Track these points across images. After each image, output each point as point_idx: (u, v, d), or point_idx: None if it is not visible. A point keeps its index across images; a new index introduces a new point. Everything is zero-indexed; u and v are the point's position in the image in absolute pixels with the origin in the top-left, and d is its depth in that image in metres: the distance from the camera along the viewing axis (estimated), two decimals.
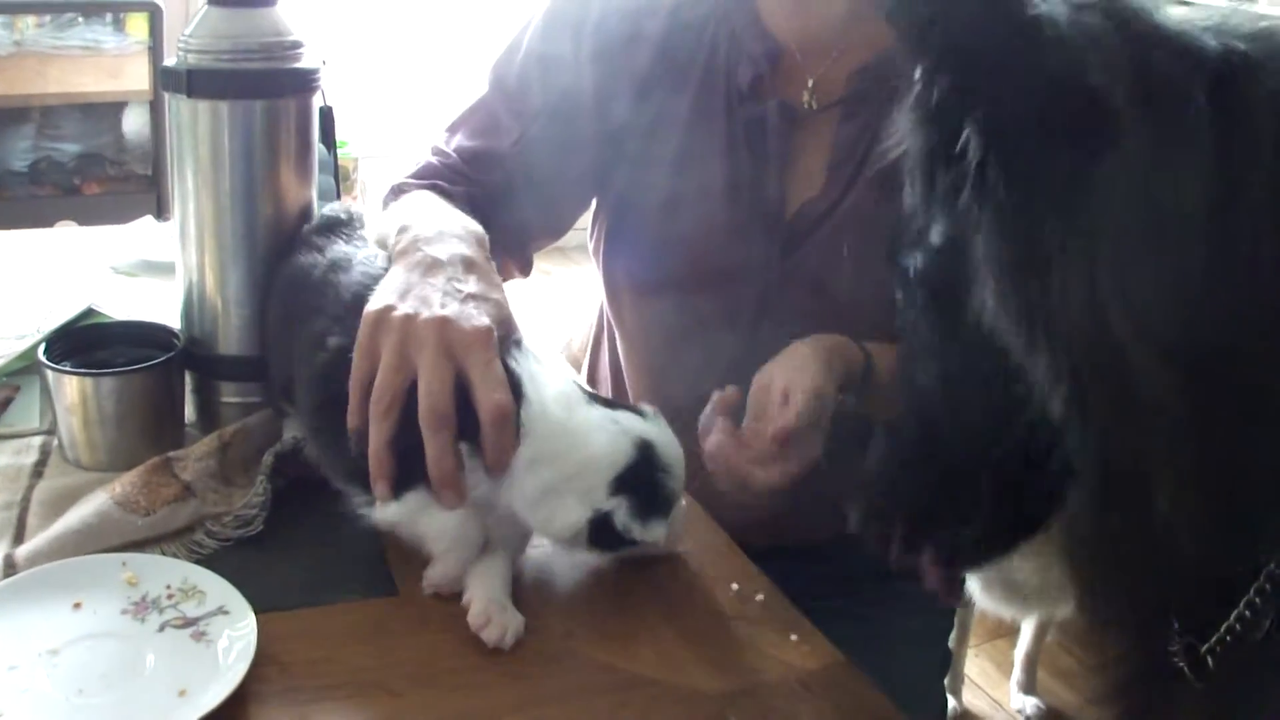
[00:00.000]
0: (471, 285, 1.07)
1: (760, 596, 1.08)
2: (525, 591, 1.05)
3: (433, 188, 1.38)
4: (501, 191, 1.42)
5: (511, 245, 1.44)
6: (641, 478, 1.01)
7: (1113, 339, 0.69)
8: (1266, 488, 0.69)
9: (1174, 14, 0.73)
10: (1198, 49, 0.71)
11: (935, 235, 0.84)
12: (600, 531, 1.00)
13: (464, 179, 1.42)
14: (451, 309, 1.03)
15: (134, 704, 0.88)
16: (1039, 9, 0.73)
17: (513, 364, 1.02)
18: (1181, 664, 0.75)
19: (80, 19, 3.85)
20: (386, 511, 1.02)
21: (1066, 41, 0.71)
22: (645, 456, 1.02)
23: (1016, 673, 2.62)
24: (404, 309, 1.03)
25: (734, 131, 1.37)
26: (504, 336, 1.04)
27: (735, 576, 1.10)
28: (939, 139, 0.81)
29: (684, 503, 1.08)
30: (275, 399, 1.22)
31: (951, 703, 2.55)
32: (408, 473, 0.99)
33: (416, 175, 1.42)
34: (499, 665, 0.96)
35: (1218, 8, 0.76)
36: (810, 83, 1.36)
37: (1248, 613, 0.71)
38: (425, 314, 1.02)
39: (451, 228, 1.16)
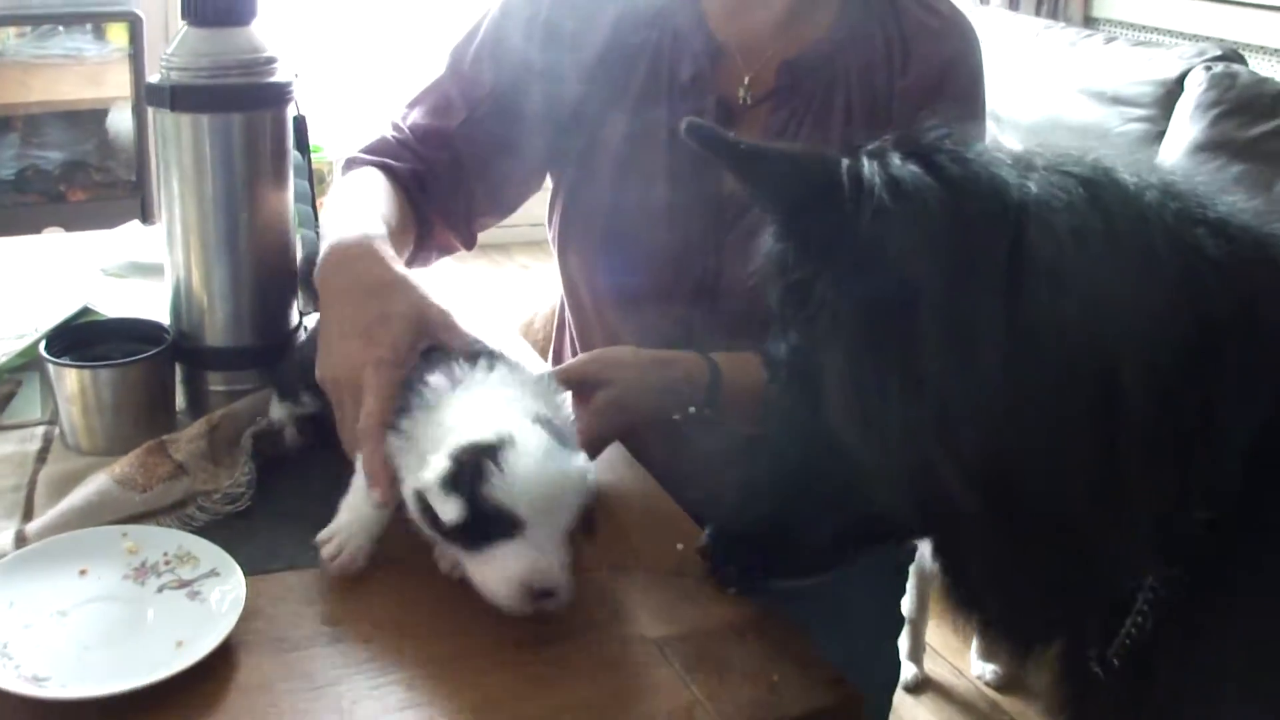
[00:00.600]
0: (374, 309, 1.17)
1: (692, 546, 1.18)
2: None
3: (380, 165, 1.48)
4: (448, 169, 1.51)
5: (457, 221, 1.54)
6: (475, 457, 1.01)
7: (932, 457, 0.82)
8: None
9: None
10: (1002, 199, 0.83)
11: (792, 338, 0.95)
12: (420, 493, 1.04)
13: (414, 155, 1.50)
14: (353, 354, 1.15)
15: (136, 656, 0.97)
16: (856, 176, 0.86)
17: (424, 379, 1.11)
18: (1095, 667, 0.89)
19: (61, 29, 3.87)
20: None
21: (880, 215, 0.84)
22: (496, 446, 1.01)
23: (976, 641, 2.70)
24: (328, 371, 1.18)
25: (675, 124, 1.46)
26: (420, 335, 1.17)
27: (680, 539, 1.20)
28: (788, 278, 0.93)
29: (547, 561, 1.01)
30: (294, 386, 1.30)
31: (913, 670, 2.64)
32: None
33: (369, 150, 1.51)
34: (462, 617, 1.06)
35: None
36: (746, 80, 1.46)
37: (1138, 620, 0.86)
38: (339, 373, 1.16)
39: (379, 235, 1.27)
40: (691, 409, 1.35)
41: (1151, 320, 0.79)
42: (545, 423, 1.06)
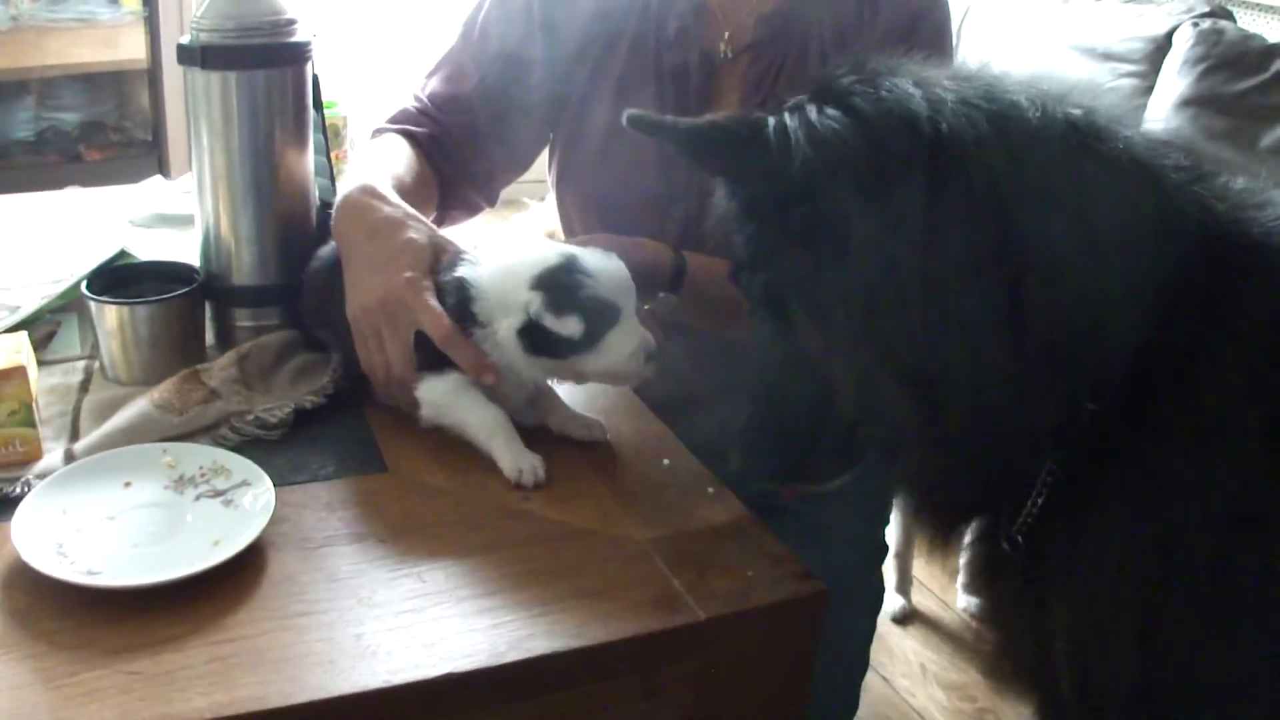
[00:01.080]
0: (392, 244, 1.31)
1: (677, 461, 1.32)
2: (494, 470, 1.26)
3: (403, 133, 1.60)
4: (467, 132, 1.63)
5: (478, 181, 1.66)
6: (557, 278, 1.22)
7: (869, 364, 0.95)
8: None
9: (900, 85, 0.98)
10: (916, 134, 0.94)
11: (759, 276, 1.07)
12: (528, 332, 1.22)
13: (433, 122, 1.62)
14: (381, 285, 1.28)
15: (177, 552, 1.09)
16: (781, 129, 0.98)
17: (452, 274, 1.26)
18: (1005, 545, 1.02)
19: None
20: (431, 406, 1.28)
21: (805, 162, 0.95)
22: (564, 264, 1.23)
23: (961, 575, 2.80)
24: (358, 305, 1.30)
25: (661, 76, 1.56)
26: (439, 255, 1.31)
27: (667, 455, 1.33)
28: (743, 230, 1.07)
29: (650, 339, 1.25)
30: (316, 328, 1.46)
31: (901, 602, 2.76)
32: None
33: (393, 120, 1.64)
34: (467, 521, 1.18)
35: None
36: (726, 35, 1.57)
37: (1037, 500, 0.98)
38: (370, 301, 1.29)
39: (382, 184, 1.40)
40: (661, 294, 1.48)
41: (1050, 239, 0.91)
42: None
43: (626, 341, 1.23)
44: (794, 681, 1.16)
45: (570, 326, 1.21)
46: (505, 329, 1.23)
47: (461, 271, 1.27)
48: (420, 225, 1.34)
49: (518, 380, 1.28)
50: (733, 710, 1.13)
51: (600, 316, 1.22)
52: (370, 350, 1.31)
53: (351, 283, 1.32)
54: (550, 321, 1.21)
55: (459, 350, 1.24)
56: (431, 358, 1.27)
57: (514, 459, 1.24)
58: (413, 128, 1.62)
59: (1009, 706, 2.35)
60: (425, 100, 1.65)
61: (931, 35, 1.56)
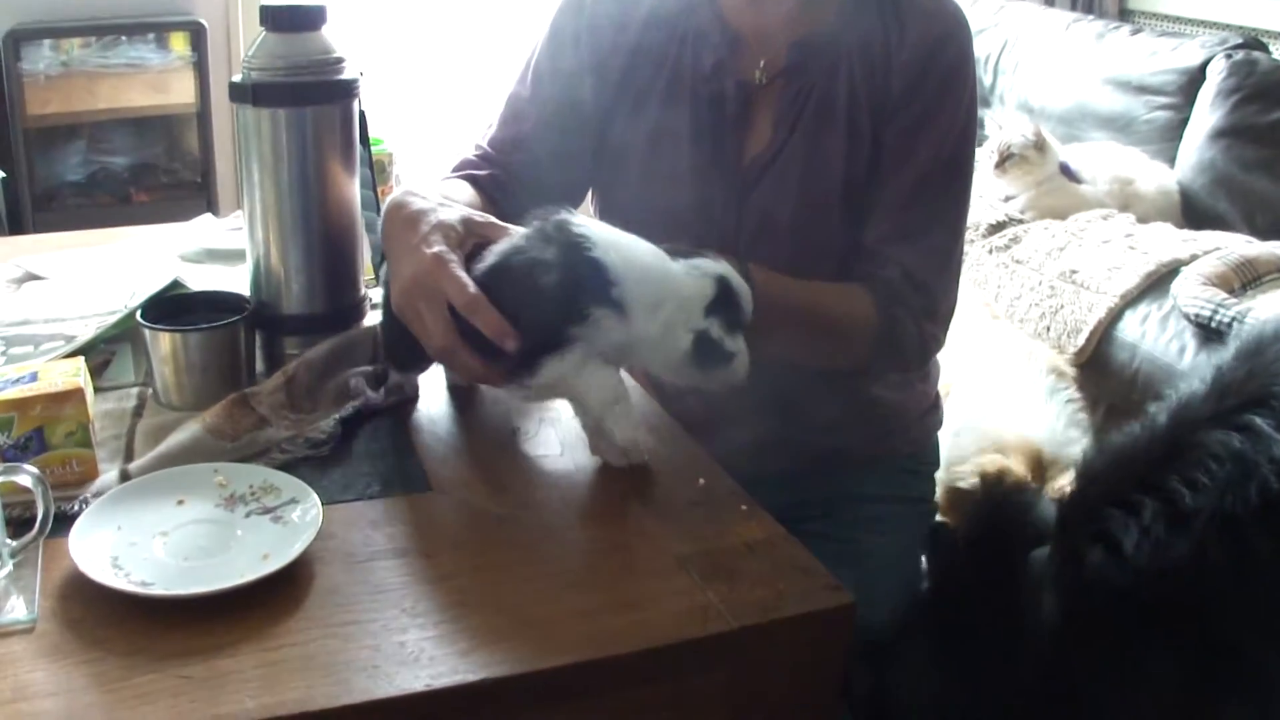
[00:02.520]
0: (424, 227, 1.36)
1: (710, 479, 1.34)
2: (535, 489, 1.31)
3: (465, 177, 1.66)
4: (527, 169, 1.68)
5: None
6: (724, 302, 1.28)
7: None
8: None
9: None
10: None
11: None
12: (701, 347, 1.27)
13: (493, 165, 1.68)
14: (412, 265, 1.33)
15: (228, 565, 1.13)
16: None
17: (586, 232, 1.28)
18: None
19: (124, 39, 4.00)
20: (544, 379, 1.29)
21: None
22: (723, 287, 1.28)
23: None
24: (398, 292, 1.35)
25: (698, 104, 1.62)
26: (473, 231, 1.36)
27: (702, 475, 1.36)
28: None
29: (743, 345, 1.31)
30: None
31: None
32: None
33: (456, 168, 1.70)
34: (507, 535, 1.22)
35: None
36: (762, 63, 1.62)
37: None
38: (406, 285, 1.33)
39: (405, 193, 1.44)
40: None
41: None
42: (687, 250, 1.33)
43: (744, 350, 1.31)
44: (823, 693, 1.19)
45: (739, 344, 1.29)
46: (679, 341, 1.27)
47: (596, 254, 1.27)
48: (452, 205, 1.39)
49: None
50: (762, 718, 1.16)
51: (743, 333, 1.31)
52: (421, 332, 1.33)
53: (393, 275, 1.37)
54: (728, 343, 1.28)
55: (482, 316, 1.27)
56: (542, 340, 1.27)
57: (632, 429, 1.29)
58: (474, 172, 1.67)
59: None
60: (486, 147, 1.72)
61: (952, 60, 1.60)
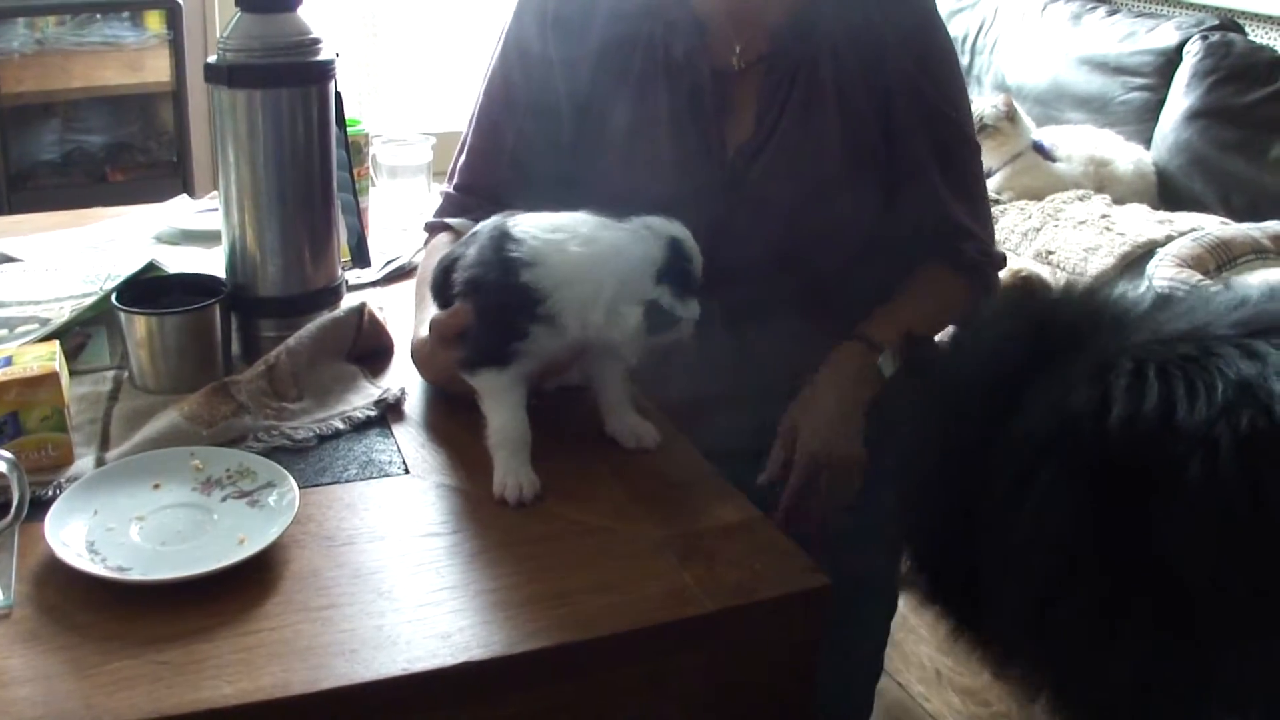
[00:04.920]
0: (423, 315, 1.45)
1: (688, 462, 1.36)
2: None
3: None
4: (516, 184, 1.65)
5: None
6: (675, 267, 1.27)
7: None
8: None
9: None
10: None
11: None
12: (651, 316, 1.25)
13: (478, 199, 1.66)
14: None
15: (204, 550, 1.13)
16: None
17: (518, 250, 1.28)
18: None
19: (99, 17, 3.95)
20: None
21: None
22: (674, 250, 1.27)
23: None
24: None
25: (676, 94, 1.60)
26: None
27: (680, 456, 1.37)
28: None
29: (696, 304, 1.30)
30: None
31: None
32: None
33: (440, 212, 1.70)
34: (486, 519, 1.22)
35: None
36: (738, 48, 1.61)
37: None
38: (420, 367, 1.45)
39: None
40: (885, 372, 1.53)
41: None
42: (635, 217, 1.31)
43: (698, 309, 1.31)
44: (801, 674, 1.19)
45: (694, 309, 1.28)
46: (629, 319, 1.26)
47: (524, 277, 1.28)
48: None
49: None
50: (741, 701, 1.17)
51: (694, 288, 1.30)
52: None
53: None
54: (680, 310, 1.27)
55: (444, 325, 1.35)
56: (488, 354, 1.30)
57: (503, 474, 1.27)
58: (461, 217, 1.66)
59: (1023, 710, 2.37)
60: (464, 175, 1.70)
61: (945, 48, 1.62)
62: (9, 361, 1.29)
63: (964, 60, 4.26)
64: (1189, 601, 0.92)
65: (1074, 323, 1.09)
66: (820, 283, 1.63)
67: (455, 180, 1.71)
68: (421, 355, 1.45)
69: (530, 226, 1.30)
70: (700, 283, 1.30)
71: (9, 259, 1.82)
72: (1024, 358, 1.07)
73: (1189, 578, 0.92)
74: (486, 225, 1.36)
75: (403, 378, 1.50)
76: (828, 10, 1.60)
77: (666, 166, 1.61)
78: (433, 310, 1.40)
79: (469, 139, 1.71)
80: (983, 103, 3.59)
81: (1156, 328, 1.03)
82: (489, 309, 1.30)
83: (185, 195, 2.26)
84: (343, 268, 1.61)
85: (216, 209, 1.54)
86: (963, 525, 1.07)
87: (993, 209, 3.33)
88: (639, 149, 1.63)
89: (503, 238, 1.30)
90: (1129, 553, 0.95)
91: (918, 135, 1.62)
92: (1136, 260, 2.97)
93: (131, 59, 4.05)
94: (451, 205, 1.69)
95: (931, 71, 1.63)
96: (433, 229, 1.69)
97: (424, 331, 1.42)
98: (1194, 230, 3.01)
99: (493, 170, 1.67)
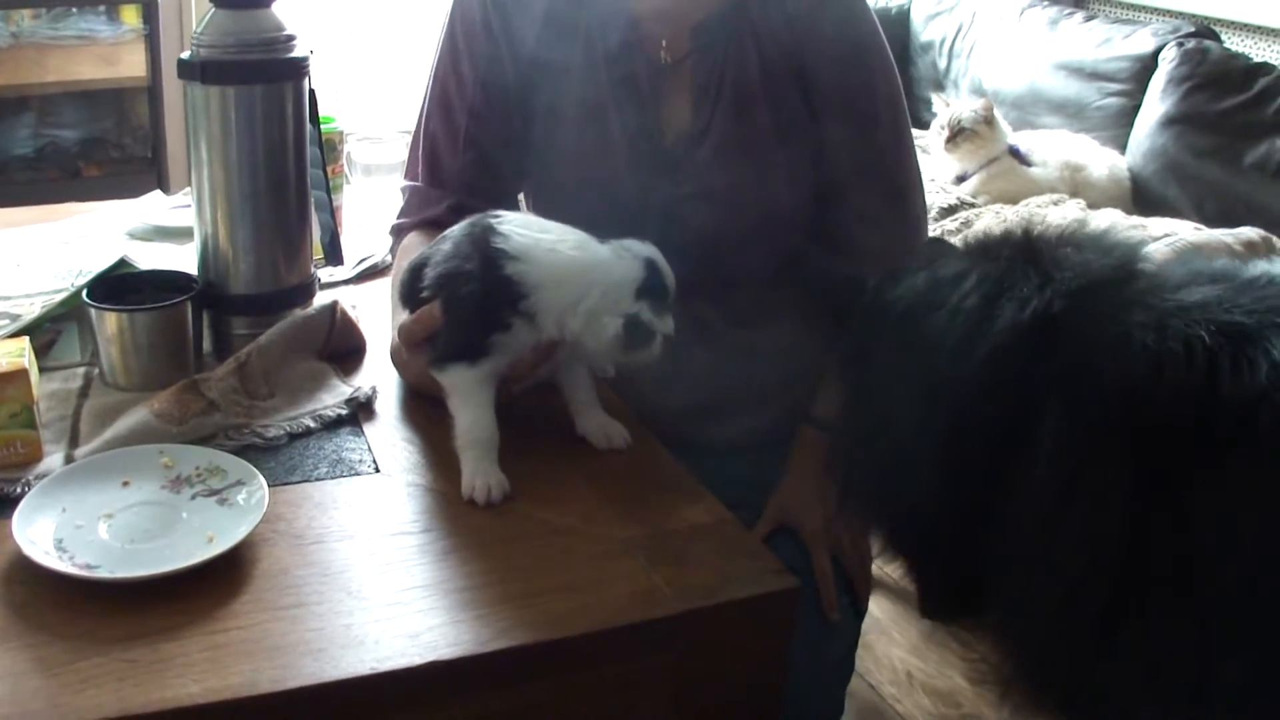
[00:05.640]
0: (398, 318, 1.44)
1: (657, 462, 1.36)
2: None
3: (421, 226, 1.66)
4: (476, 164, 1.66)
5: (503, 200, 1.70)
6: (652, 284, 1.28)
7: None
8: None
9: None
10: None
11: None
12: (630, 330, 1.27)
13: (438, 183, 1.67)
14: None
15: (173, 548, 1.13)
16: None
17: (505, 244, 1.29)
18: None
19: (74, 11, 3.95)
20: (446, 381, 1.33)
21: None
22: (652, 269, 1.29)
23: None
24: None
25: (615, 84, 1.62)
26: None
27: (648, 457, 1.37)
28: None
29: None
30: None
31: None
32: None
33: (406, 211, 1.70)
34: (457, 520, 1.22)
35: None
36: (664, 43, 1.62)
37: None
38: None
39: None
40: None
41: None
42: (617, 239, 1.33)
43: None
44: (770, 674, 1.20)
45: (669, 325, 1.30)
46: (608, 329, 1.28)
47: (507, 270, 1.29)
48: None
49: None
50: (710, 702, 1.17)
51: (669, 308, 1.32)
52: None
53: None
54: (657, 325, 1.29)
55: (412, 329, 1.36)
56: (459, 349, 1.30)
57: (472, 474, 1.27)
58: (428, 214, 1.66)
59: (994, 713, 2.38)
60: (426, 165, 1.70)
61: (866, 41, 1.64)
62: None
63: (941, 64, 4.28)
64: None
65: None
66: (772, 266, 1.66)
67: (416, 173, 1.71)
68: (400, 359, 1.46)
69: (517, 224, 1.31)
70: (672, 299, 1.31)
71: None
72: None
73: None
74: (462, 225, 1.36)
75: (374, 376, 1.50)
76: (750, 4, 1.61)
77: (612, 153, 1.63)
78: (404, 315, 1.40)
79: (424, 126, 1.71)
80: (961, 106, 3.61)
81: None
82: (464, 300, 1.30)
83: (159, 191, 2.24)
84: (315, 266, 1.61)
85: (190, 205, 1.53)
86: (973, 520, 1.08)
87: (969, 211, 3.36)
88: (584, 140, 1.64)
89: (487, 232, 1.30)
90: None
91: (839, 127, 1.64)
92: None
93: (107, 53, 4.05)
94: (417, 201, 1.69)
95: (852, 61, 1.64)
96: (399, 230, 1.70)
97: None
98: (1167, 235, 3.03)
99: (452, 155, 1.67)
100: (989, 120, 3.56)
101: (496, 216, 1.33)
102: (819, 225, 1.69)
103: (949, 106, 3.67)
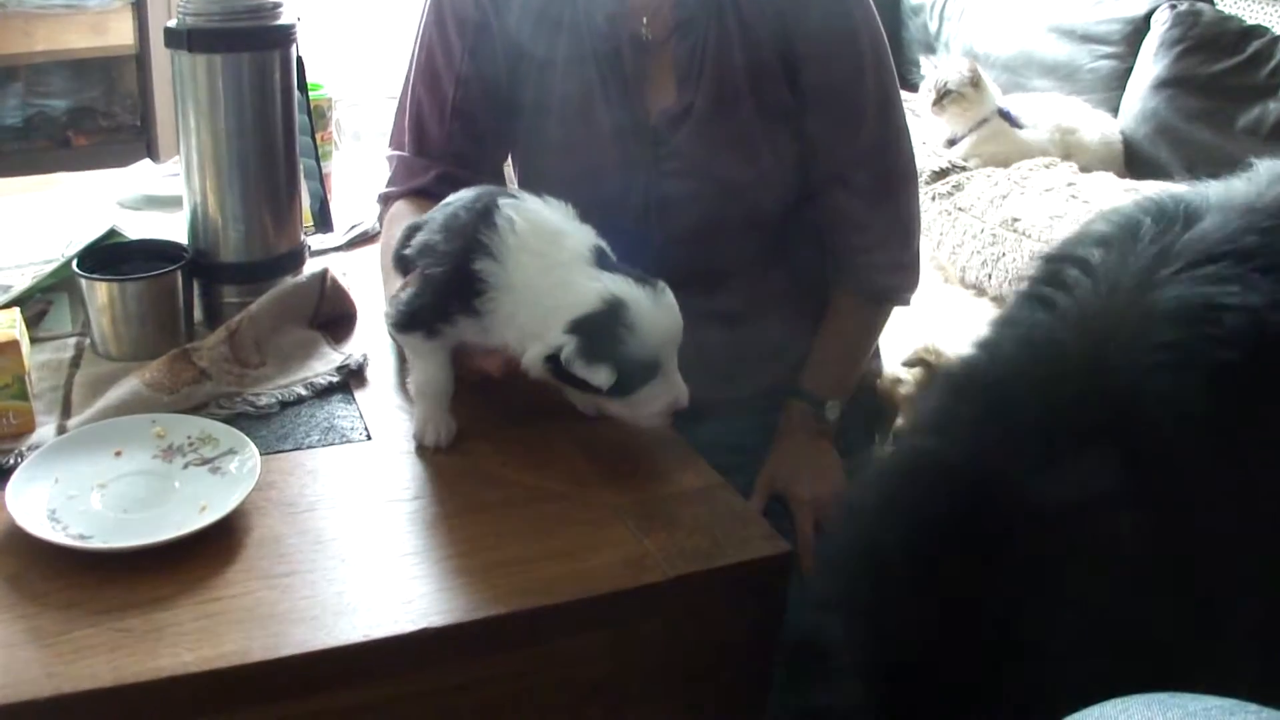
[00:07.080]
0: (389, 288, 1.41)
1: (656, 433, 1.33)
2: (473, 439, 1.31)
3: (409, 195, 1.65)
4: (462, 133, 1.66)
5: (489, 168, 1.70)
6: (599, 325, 1.16)
7: None
8: None
9: None
10: None
11: None
12: (553, 363, 1.18)
13: (425, 153, 1.66)
14: None
15: (166, 517, 1.13)
16: None
17: (489, 237, 1.23)
18: None
19: None
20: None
21: None
22: (609, 308, 1.16)
23: None
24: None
25: (599, 60, 1.61)
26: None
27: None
28: None
29: (682, 398, 1.23)
30: None
31: None
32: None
33: (394, 181, 1.69)
34: (447, 486, 1.23)
35: None
36: (645, 20, 1.62)
37: None
38: None
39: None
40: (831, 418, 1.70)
41: None
42: (626, 271, 1.21)
43: (657, 400, 1.22)
44: (760, 640, 1.20)
45: (600, 377, 1.17)
46: (532, 355, 1.20)
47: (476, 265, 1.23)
48: None
49: None
50: (701, 667, 1.18)
51: (635, 373, 1.19)
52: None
53: None
54: (580, 369, 1.16)
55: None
56: (417, 320, 1.28)
57: (424, 420, 1.29)
58: (415, 184, 1.65)
59: None
60: (413, 134, 1.68)
61: (870, 38, 1.64)
62: None
63: (932, 26, 4.26)
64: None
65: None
66: (758, 245, 1.68)
67: (402, 142, 1.70)
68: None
69: (520, 216, 1.24)
70: (636, 359, 1.18)
71: None
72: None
73: None
74: (470, 194, 1.32)
75: (366, 343, 1.50)
76: None
77: (597, 128, 1.63)
78: (398, 282, 1.39)
79: (409, 95, 1.70)
80: (947, 69, 3.59)
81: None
82: (430, 279, 1.27)
83: (148, 160, 2.24)
84: (305, 233, 1.61)
85: (180, 174, 1.52)
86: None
87: (959, 175, 3.35)
88: (570, 114, 1.64)
89: (482, 217, 1.25)
90: None
91: (824, 123, 1.64)
92: None
93: (95, 22, 4.00)
94: (404, 171, 1.69)
95: (841, 56, 1.63)
96: (387, 199, 1.69)
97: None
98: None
99: (439, 124, 1.66)
100: (975, 82, 3.54)
101: (507, 198, 1.27)
102: (807, 218, 1.70)
103: (936, 69, 3.66)
